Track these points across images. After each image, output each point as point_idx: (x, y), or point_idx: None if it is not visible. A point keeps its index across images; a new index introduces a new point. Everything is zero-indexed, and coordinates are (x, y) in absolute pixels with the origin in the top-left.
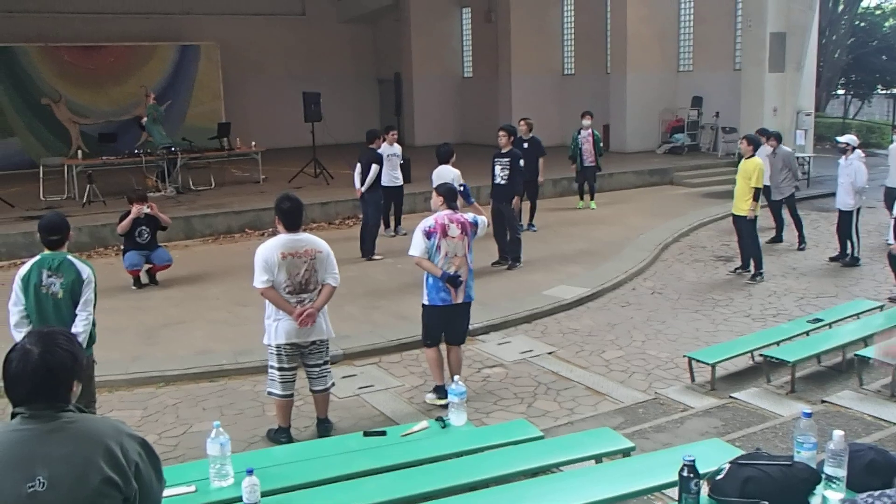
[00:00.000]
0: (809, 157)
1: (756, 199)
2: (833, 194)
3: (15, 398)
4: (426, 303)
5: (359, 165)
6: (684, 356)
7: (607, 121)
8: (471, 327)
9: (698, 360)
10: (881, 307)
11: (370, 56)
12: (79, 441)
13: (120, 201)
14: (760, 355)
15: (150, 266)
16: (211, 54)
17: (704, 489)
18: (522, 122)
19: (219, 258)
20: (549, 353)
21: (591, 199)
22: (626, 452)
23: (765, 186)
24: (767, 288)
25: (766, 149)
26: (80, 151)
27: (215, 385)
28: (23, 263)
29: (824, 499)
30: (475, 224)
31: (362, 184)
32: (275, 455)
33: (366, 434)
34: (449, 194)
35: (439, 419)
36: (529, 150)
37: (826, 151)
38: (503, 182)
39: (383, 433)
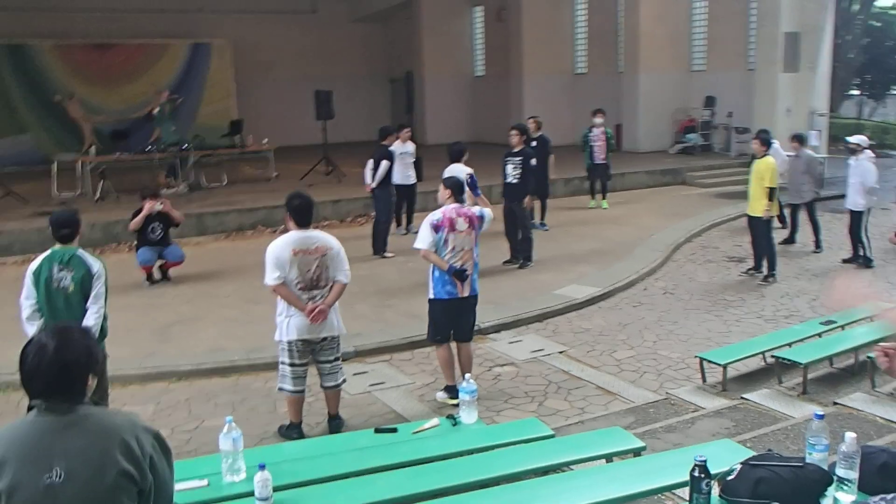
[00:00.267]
0: (823, 158)
1: (770, 199)
2: (846, 195)
3: (32, 392)
4: (432, 296)
5: (371, 161)
6: (696, 357)
7: (620, 121)
8: (482, 325)
9: (710, 361)
10: None
11: (382, 55)
12: (95, 434)
13: (132, 198)
14: (772, 356)
15: (163, 263)
16: (223, 52)
17: (715, 490)
18: (531, 121)
19: (231, 255)
20: (561, 353)
21: (604, 198)
22: (636, 452)
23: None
24: (780, 289)
25: (779, 152)
26: (93, 148)
27: (227, 381)
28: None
29: (836, 501)
30: (482, 217)
31: (373, 179)
32: (286, 451)
33: (377, 431)
34: (457, 188)
35: (450, 417)
36: (537, 148)
37: (840, 152)
38: (515, 181)
39: (394, 430)
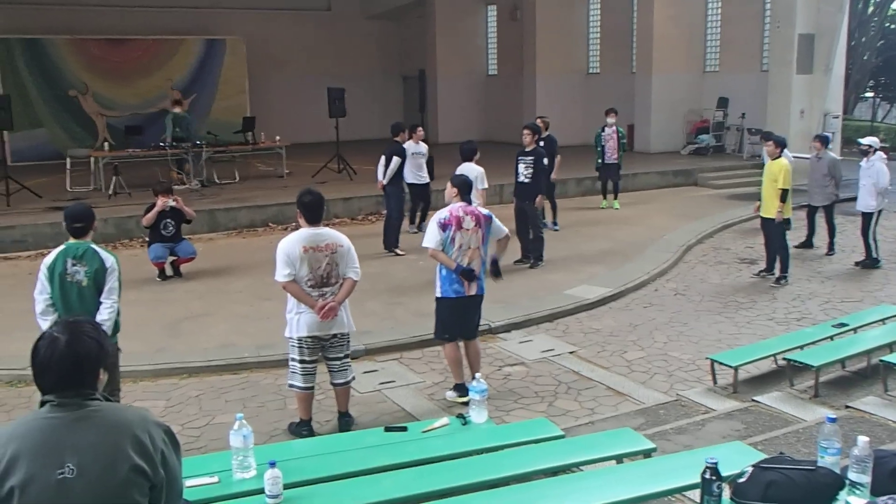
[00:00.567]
0: (834, 154)
1: (783, 200)
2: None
3: (43, 386)
4: (439, 295)
5: (383, 158)
6: (707, 358)
7: (632, 121)
8: (492, 325)
9: (721, 363)
10: None
11: (395, 53)
12: (107, 429)
13: (145, 194)
14: (784, 359)
15: (175, 258)
16: (236, 49)
17: (726, 492)
18: (539, 121)
19: (242, 252)
20: (571, 353)
21: (615, 198)
22: (647, 453)
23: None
24: (792, 291)
25: (787, 156)
26: (106, 143)
27: (238, 378)
28: (49, 253)
29: None
30: (489, 217)
31: (384, 175)
32: (296, 448)
33: (386, 430)
34: (463, 186)
35: (460, 416)
36: (544, 148)
37: (854, 154)
38: (527, 180)
39: (404, 429)
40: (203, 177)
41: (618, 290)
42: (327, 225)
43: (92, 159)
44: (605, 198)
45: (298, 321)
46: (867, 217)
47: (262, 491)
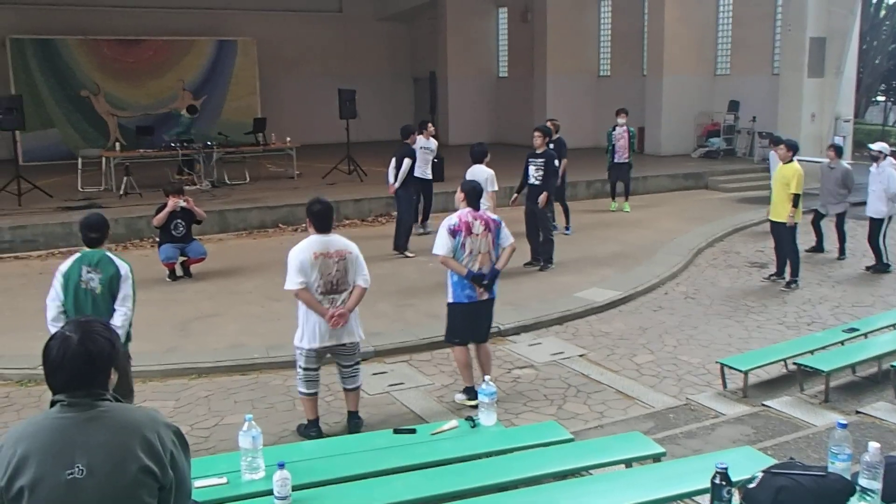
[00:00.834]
0: (848, 164)
1: (796, 205)
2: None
3: (55, 385)
4: (451, 301)
5: (393, 160)
6: (716, 362)
7: (642, 123)
8: (502, 327)
9: (731, 367)
10: None
11: (406, 54)
12: (116, 429)
13: (156, 194)
14: (794, 364)
15: (185, 259)
16: (248, 50)
17: (736, 497)
18: (549, 123)
19: (252, 253)
20: (580, 356)
21: (626, 200)
22: (656, 458)
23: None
24: (802, 296)
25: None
26: (117, 144)
27: (247, 378)
28: (61, 254)
29: None
30: (499, 222)
31: (395, 179)
32: (305, 450)
33: (395, 432)
34: (471, 192)
35: (469, 419)
36: (553, 150)
37: (864, 159)
38: (537, 183)
39: (413, 431)
40: (214, 177)
41: (628, 293)
42: (338, 226)
43: (103, 159)
44: (613, 199)
45: (307, 332)
46: (876, 223)
47: (270, 492)
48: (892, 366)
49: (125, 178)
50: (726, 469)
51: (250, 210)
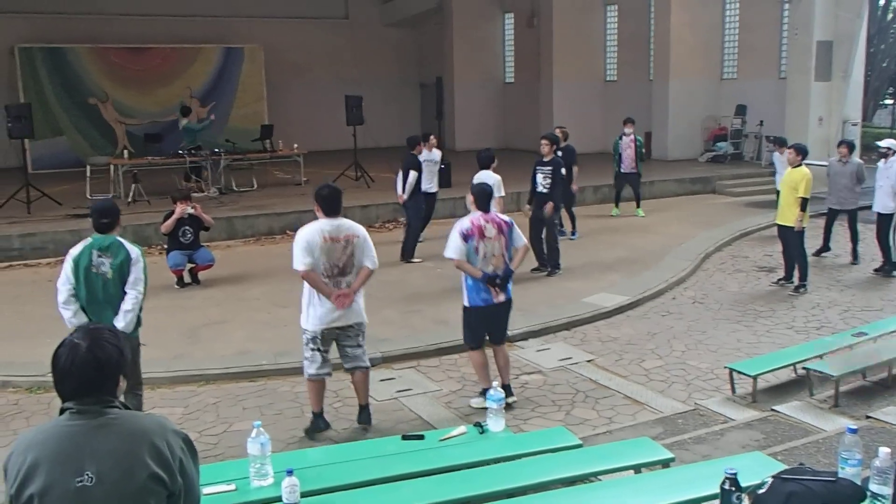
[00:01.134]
0: (863, 164)
1: (803, 209)
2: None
3: (64, 392)
4: (467, 304)
5: (400, 172)
6: (725, 367)
7: (649, 128)
8: (510, 333)
9: (739, 372)
10: None
11: (413, 60)
12: (125, 437)
13: (164, 201)
14: (803, 368)
15: (193, 266)
16: (255, 57)
17: (746, 503)
18: (558, 131)
19: (260, 259)
20: (588, 361)
21: (637, 206)
22: (665, 463)
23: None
24: (811, 300)
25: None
26: (125, 151)
27: (255, 385)
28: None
29: None
30: (511, 224)
31: (403, 190)
32: (313, 456)
33: (404, 438)
34: (481, 195)
35: (477, 424)
36: (562, 158)
37: (873, 162)
38: (545, 190)
39: (421, 437)
40: (221, 184)
41: (636, 298)
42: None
43: (112, 167)
44: (616, 205)
45: (311, 314)
46: (885, 219)
47: (279, 499)
48: None
49: (133, 186)
50: (736, 474)
51: (258, 217)
